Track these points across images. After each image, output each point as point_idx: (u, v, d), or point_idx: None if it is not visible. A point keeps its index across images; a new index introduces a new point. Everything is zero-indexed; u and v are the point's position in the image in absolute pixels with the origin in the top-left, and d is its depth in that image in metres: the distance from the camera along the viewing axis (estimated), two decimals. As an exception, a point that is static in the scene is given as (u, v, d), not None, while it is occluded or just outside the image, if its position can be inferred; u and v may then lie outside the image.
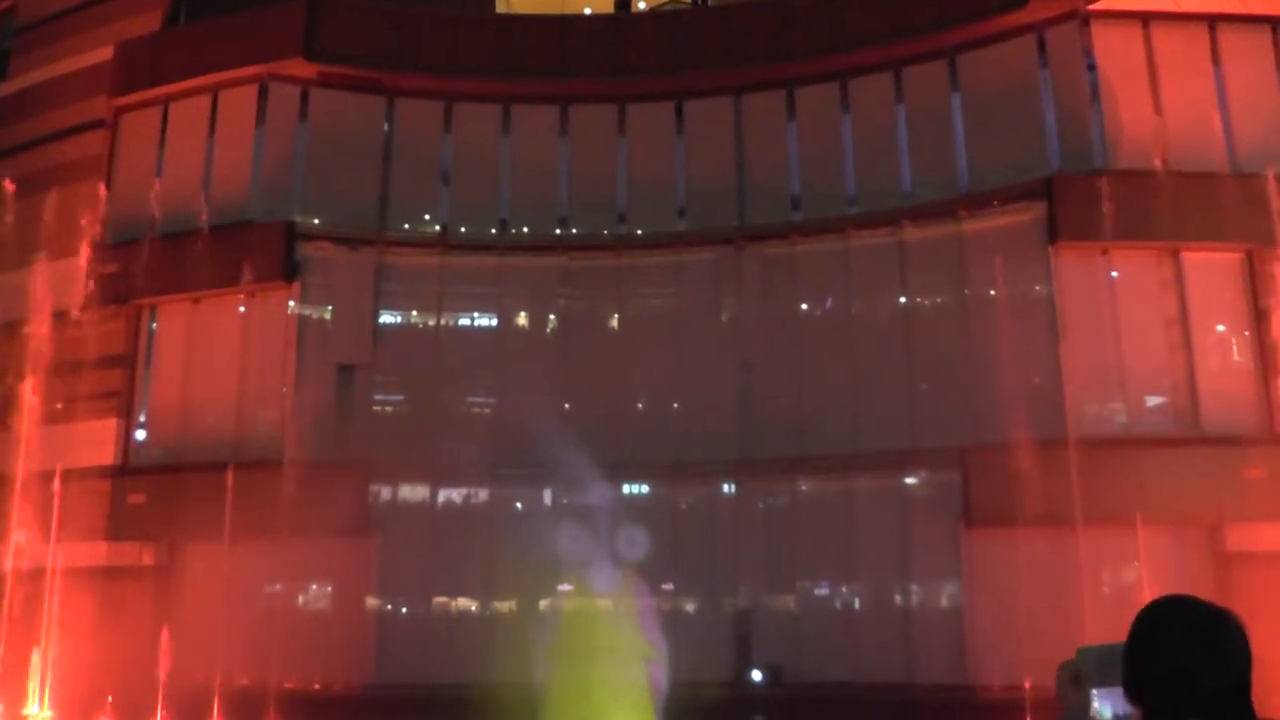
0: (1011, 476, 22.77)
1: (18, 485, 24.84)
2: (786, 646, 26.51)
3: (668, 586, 26.38)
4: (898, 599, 26.67)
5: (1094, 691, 2.53)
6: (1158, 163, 25.11)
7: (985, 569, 24.74)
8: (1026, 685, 19.78)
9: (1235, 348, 25.84)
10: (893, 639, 25.81)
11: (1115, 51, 26.88)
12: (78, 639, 24.22)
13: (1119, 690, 2.83)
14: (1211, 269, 25.72)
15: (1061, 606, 21.90)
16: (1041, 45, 27.42)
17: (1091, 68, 26.81)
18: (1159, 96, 26.51)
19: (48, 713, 23.43)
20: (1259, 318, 25.14)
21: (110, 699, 21.59)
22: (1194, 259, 25.53)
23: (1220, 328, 26.01)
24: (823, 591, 27.95)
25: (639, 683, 19.13)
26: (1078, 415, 24.40)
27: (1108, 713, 2.49)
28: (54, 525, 24.76)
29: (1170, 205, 24.48)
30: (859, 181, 29.31)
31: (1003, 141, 27.14)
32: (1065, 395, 24.48)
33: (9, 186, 28.23)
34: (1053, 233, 25.74)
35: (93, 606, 24.66)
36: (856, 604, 27.47)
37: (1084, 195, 25.30)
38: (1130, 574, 23.97)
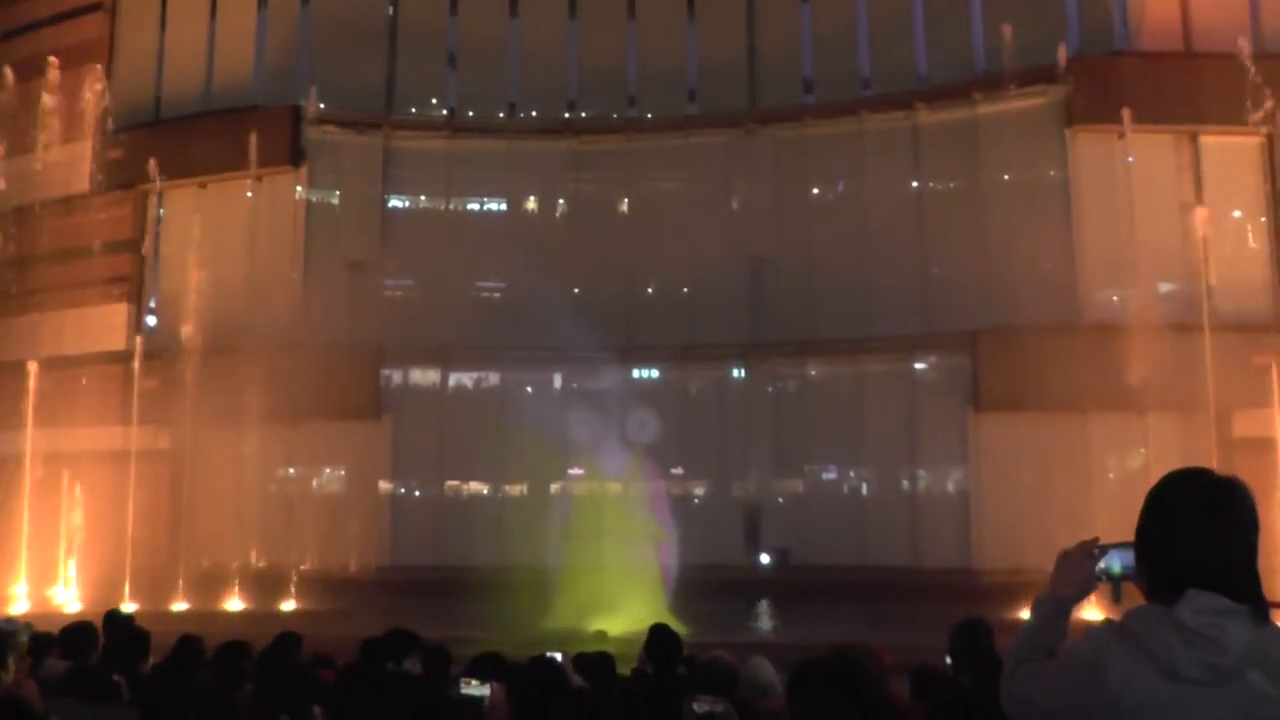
0: (1022, 362, 22.77)
1: (33, 370, 25.03)
2: (794, 530, 26.88)
3: (677, 470, 26.68)
4: (905, 484, 26.94)
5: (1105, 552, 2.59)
6: (1180, 44, 24.44)
7: (993, 454, 24.89)
8: (1031, 570, 20.02)
9: (1250, 234, 25.55)
10: (900, 523, 26.12)
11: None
12: (98, 522, 24.63)
13: (1129, 551, 2.88)
14: (1229, 153, 25.31)
15: (1068, 492, 22.07)
16: (1064, -81, 26.57)
17: (1115, -57, 25.99)
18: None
19: (72, 592, 23.99)
20: (1276, 203, 24.83)
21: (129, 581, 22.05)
22: (1212, 143, 25.13)
23: (1236, 214, 25.68)
24: (831, 475, 28.25)
25: (649, 565, 19.63)
26: (1089, 301, 24.32)
27: (1116, 567, 2.55)
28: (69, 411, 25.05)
29: (1190, 88, 23.96)
30: (873, 64, 28.80)
31: (1021, 22, 26.41)
32: (1077, 281, 24.36)
33: (9, 72, 27.80)
34: (1069, 116, 25.32)
35: (111, 490, 24.98)
36: (864, 488, 27.79)
37: (1102, 78, 24.79)
38: (1137, 460, 24.11)
